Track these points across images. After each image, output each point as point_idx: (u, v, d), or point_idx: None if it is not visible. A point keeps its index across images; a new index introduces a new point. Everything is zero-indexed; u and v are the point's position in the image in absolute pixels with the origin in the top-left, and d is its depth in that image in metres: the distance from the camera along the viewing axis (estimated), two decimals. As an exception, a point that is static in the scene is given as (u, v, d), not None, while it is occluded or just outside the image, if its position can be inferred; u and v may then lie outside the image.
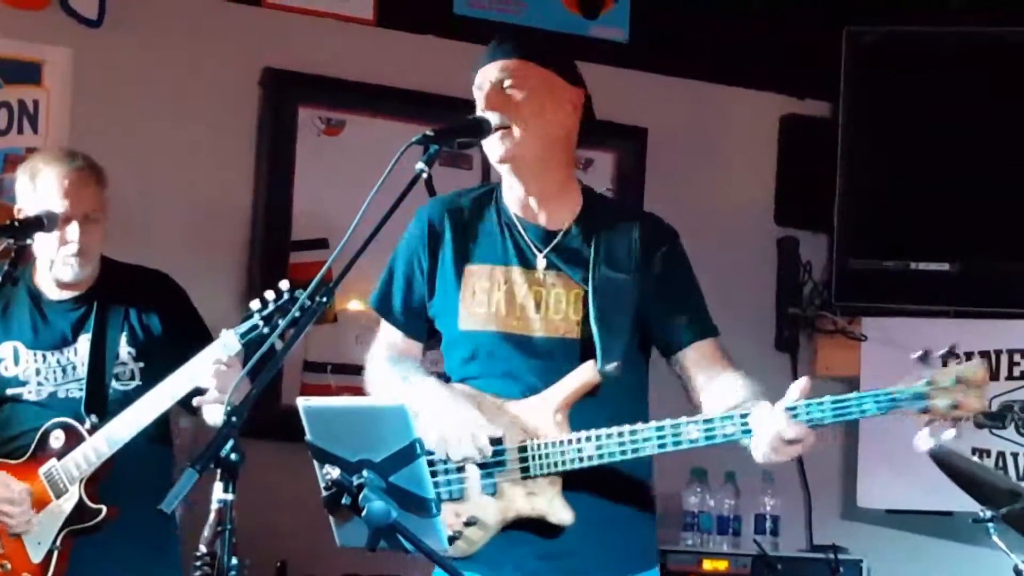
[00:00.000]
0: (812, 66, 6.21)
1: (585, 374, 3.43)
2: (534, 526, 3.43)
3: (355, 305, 5.54)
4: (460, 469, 3.45)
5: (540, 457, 3.41)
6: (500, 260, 3.55)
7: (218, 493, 2.84)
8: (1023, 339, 5.89)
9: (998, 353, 5.90)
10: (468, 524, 3.44)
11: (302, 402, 3.11)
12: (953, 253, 5.91)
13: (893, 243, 5.98)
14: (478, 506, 3.46)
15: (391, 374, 3.63)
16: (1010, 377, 5.88)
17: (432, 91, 5.61)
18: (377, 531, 2.96)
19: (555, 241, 3.54)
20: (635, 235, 3.55)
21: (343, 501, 2.96)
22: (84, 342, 4.27)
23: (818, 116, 6.34)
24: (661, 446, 3.31)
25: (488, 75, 3.50)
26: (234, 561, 2.84)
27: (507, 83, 3.48)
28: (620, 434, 3.34)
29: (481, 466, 3.44)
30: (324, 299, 3.13)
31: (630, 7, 6.10)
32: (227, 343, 4.04)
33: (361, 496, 2.94)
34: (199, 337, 4.22)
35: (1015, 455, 5.84)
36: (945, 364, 3.10)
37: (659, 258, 3.55)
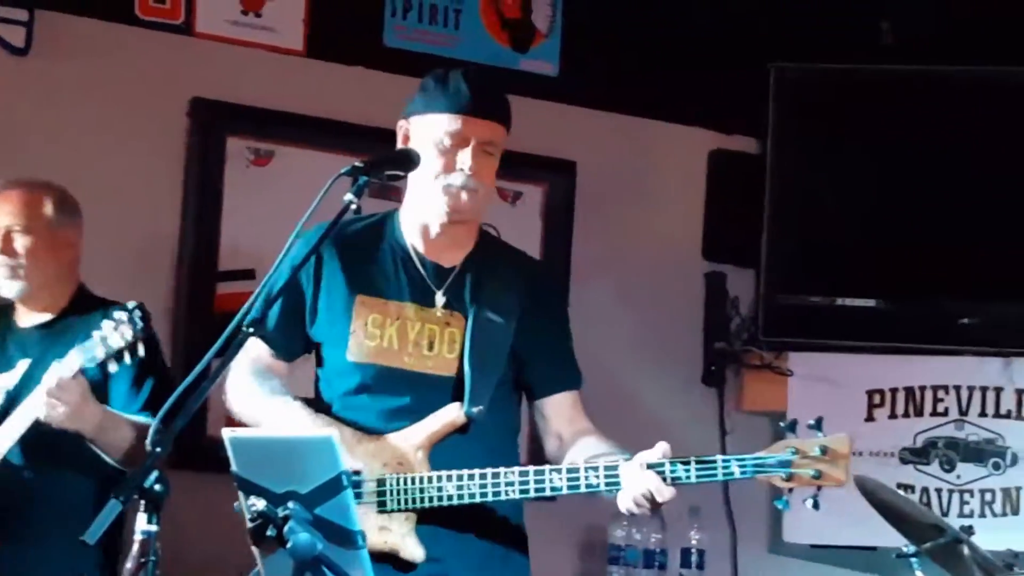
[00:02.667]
0: (741, 102, 6.26)
1: (449, 415, 3.48)
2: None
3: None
4: None
5: (397, 492, 3.44)
6: (394, 294, 3.58)
7: (142, 524, 2.84)
8: (947, 376, 5.93)
9: (922, 389, 5.95)
10: None
11: (228, 433, 3.10)
12: (879, 289, 5.96)
13: (820, 279, 6.03)
14: None
15: (255, 387, 3.65)
16: (934, 413, 5.93)
17: (361, 123, 5.61)
18: (302, 564, 2.95)
19: (449, 279, 3.57)
20: (519, 280, 3.59)
21: (268, 533, 2.95)
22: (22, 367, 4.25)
23: (746, 152, 6.39)
24: (524, 491, 3.35)
25: (477, 132, 3.51)
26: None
27: (488, 145, 3.50)
28: (483, 476, 3.37)
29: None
30: (251, 330, 3.12)
31: (560, 41, 6.13)
32: (59, 371, 4.00)
33: (287, 528, 2.93)
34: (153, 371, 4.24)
35: (939, 491, 5.88)
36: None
37: (537, 306, 3.59)
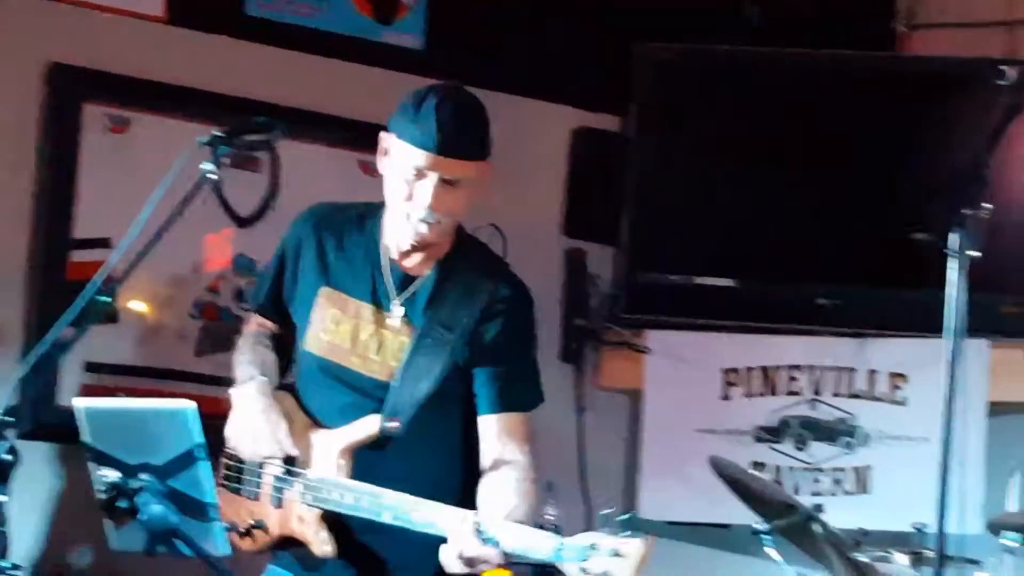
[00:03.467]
0: (605, 80, 6.29)
1: (368, 425, 3.48)
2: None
3: (137, 305, 5.48)
4: (262, 473, 3.54)
5: (310, 489, 3.46)
6: (357, 293, 3.58)
7: (-9, 494, 2.80)
8: (801, 355, 6.01)
9: (777, 368, 6.02)
10: (255, 526, 3.53)
11: (80, 403, 3.07)
12: (737, 269, 6.03)
13: (679, 258, 6.07)
14: (265, 512, 3.52)
15: (246, 350, 3.72)
16: (788, 392, 6.00)
17: (222, 92, 5.56)
18: (155, 535, 2.93)
19: (411, 287, 3.55)
20: (482, 298, 3.56)
21: (120, 504, 2.93)
22: None
23: (609, 130, 6.42)
24: (395, 518, 3.34)
25: (435, 167, 3.45)
26: (7, 563, 2.80)
27: (450, 181, 3.46)
28: (374, 495, 3.38)
29: (277, 477, 3.48)
30: (106, 298, 3.10)
31: (425, 14, 6.11)
32: None
33: (139, 500, 2.91)
34: None
35: (791, 469, 5.96)
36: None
37: (493, 327, 3.56)
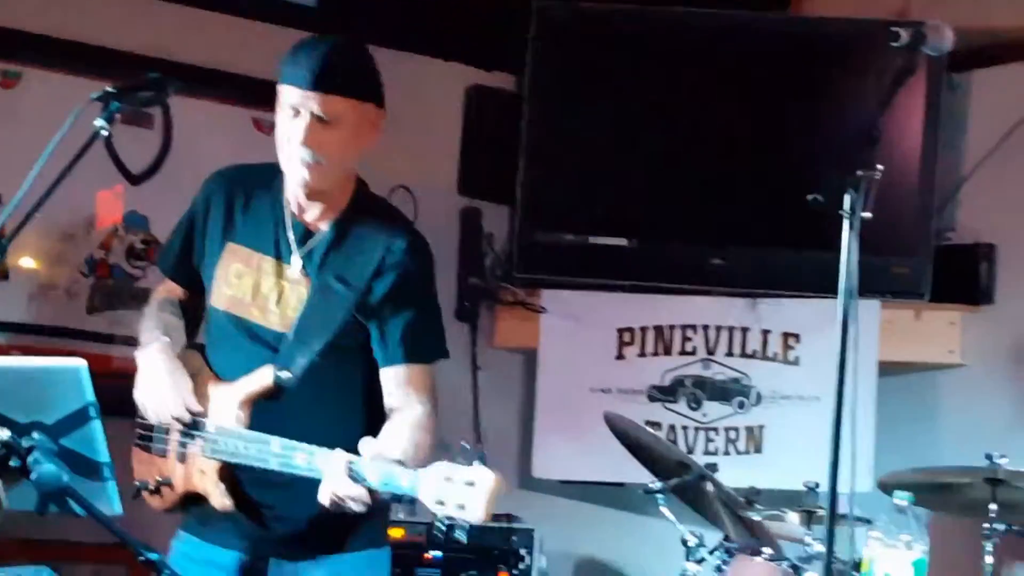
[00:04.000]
0: (500, 38, 6.28)
1: (262, 376, 3.48)
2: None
3: (28, 263, 5.42)
4: (168, 431, 3.55)
5: (209, 441, 3.47)
6: (260, 247, 3.58)
7: None
8: (695, 315, 6.05)
9: (671, 328, 6.06)
10: (163, 483, 3.56)
11: (-32, 362, 3.04)
12: (632, 229, 6.05)
13: (574, 218, 6.09)
14: (172, 468, 3.56)
15: (151, 315, 3.70)
16: (682, 352, 6.04)
17: (114, 47, 5.50)
18: (47, 495, 2.91)
19: (311, 241, 3.55)
20: (378, 251, 3.55)
21: (12, 464, 2.90)
22: None
23: (504, 89, 6.42)
24: (281, 464, 3.35)
25: (307, 104, 3.43)
26: None
27: (325, 119, 3.44)
28: (262, 442, 3.38)
29: (182, 432, 3.48)
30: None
31: (319, -29, 6.08)
32: None
33: (30, 459, 2.89)
34: None
35: (685, 428, 6.01)
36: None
37: (388, 278, 3.55)
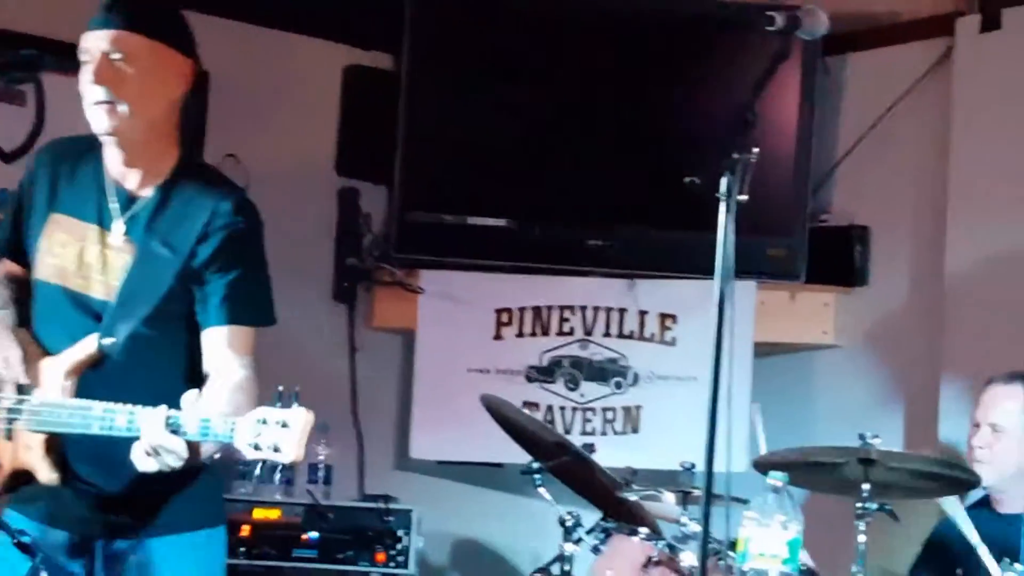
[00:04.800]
0: (378, 17, 6.25)
1: (87, 345, 3.44)
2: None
3: None
4: None
5: (34, 414, 3.43)
6: (84, 215, 3.53)
7: None
8: (573, 296, 6.07)
9: (549, 309, 6.08)
10: None
11: None
12: (510, 210, 6.05)
13: (452, 198, 6.08)
14: (0, 447, 3.50)
15: None
16: (560, 333, 6.06)
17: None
18: None
19: (134, 207, 3.50)
20: (204, 215, 3.51)
21: None
22: None
23: (382, 68, 6.39)
24: (102, 428, 3.31)
25: (97, 44, 3.40)
26: None
27: (116, 56, 3.39)
28: (84, 408, 3.34)
29: (9, 409, 3.46)
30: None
31: (194, -53, 6.01)
32: None
33: None
34: None
35: (563, 409, 6.03)
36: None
37: (213, 241, 3.52)
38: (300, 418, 3.13)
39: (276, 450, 3.11)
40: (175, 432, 3.18)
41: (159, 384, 3.44)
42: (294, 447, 3.11)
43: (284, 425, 3.11)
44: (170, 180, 3.54)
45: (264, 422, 3.11)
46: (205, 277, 3.50)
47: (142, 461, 3.23)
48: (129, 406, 3.28)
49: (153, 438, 3.19)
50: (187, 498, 3.49)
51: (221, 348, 3.50)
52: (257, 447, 3.12)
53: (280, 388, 3.16)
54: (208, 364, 3.50)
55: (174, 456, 3.20)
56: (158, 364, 3.51)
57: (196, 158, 3.65)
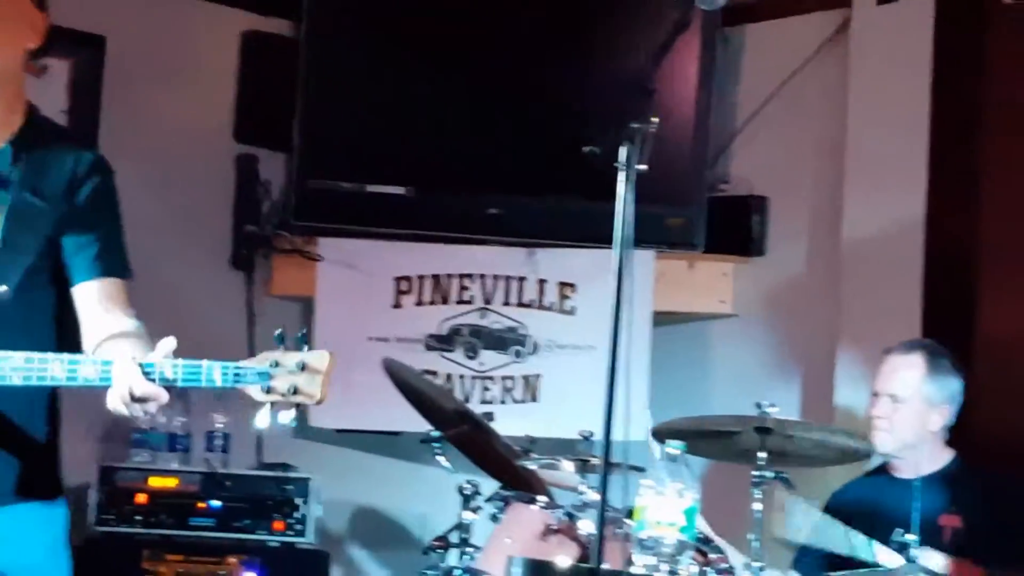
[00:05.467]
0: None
1: None
2: None
3: None
4: None
5: None
6: None
7: None
8: (472, 264, 6.07)
9: (449, 277, 6.07)
10: None
11: None
12: (409, 178, 6.04)
13: (352, 165, 6.05)
14: None
15: None
16: (460, 301, 6.06)
17: None
18: None
19: None
20: (68, 165, 3.48)
21: None
22: None
23: (281, 34, 6.35)
24: (26, 379, 3.26)
25: None
26: None
27: None
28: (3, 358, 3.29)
29: None
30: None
31: (91, -91, 5.94)
32: None
33: None
34: None
35: (462, 377, 6.03)
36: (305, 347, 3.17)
37: (84, 191, 3.49)
38: (324, 359, 3.12)
39: (295, 392, 3.08)
40: (167, 381, 3.14)
41: (23, 341, 3.40)
42: (318, 387, 3.10)
43: (303, 367, 3.08)
44: (23, 133, 3.50)
45: (277, 365, 3.09)
46: (77, 227, 3.47)
47: (122, 410, 3.19)
48: (67, 355, 3.22)
49: (137, 387, 3.14)
50: (15, 468, 3.44)
51: (105, 302, 3.47)
52: (272, 391, 3.08)
53: (280, 330, 3.14)
54: (94, 318, 3.46)
55: (156, 403, 3.17)
56: (26, 320, 3.46)
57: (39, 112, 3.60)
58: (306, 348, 3.14)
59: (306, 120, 6.05)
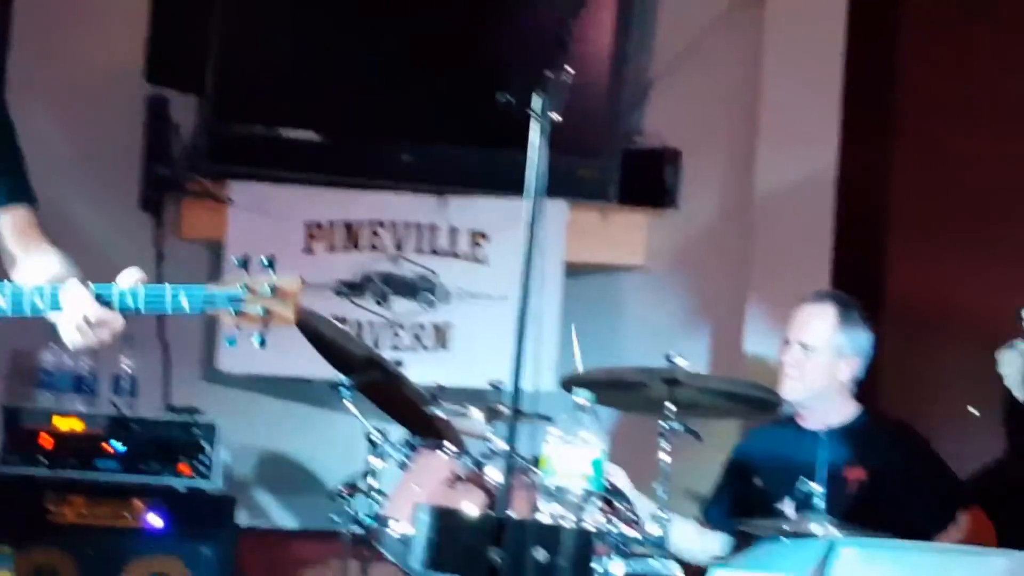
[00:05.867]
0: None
1: None
2: None
3: None
4: None
5: None
6: None
7: None
8: (384, 211, 6.05)
9: (360, 224, 6.05)
10: None
11: None
12: (322, 123, 6.00)
13: (265, 109, 6.01)
14: None
15: None
16: (371, 248, 6.04)
17: None
18: None
19: None
20: None
21: None
22: None
23: (195, -26, 6.28)
24: (34, 309, 3.25)
25: None
26: None
27: None
28: None
29: None
30: None
31: None
32: None
33: None
34: None
35: (372, 324, 6.02)
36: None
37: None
38: (296, 282, 3.17)
39: (267, 314, 3.08)
40: (127, 308, 3.14)
41: None
42: (291, 311, 3.15)
43: (275, 290, 3.08)
44: None
45: (247, 288, 3.08)
46: None
47: (74, 336, 3.17)
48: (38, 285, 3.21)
49: (91, 313, 3.13)
50: None
51: (32, 226, 3.46)
52: (240, 313, 3.06)
53: (238, 257, 3.13)
54: (20, 242, 3.44)
55: (109, 327, 3.14)
56: None
57: None
58: (272, 272, 3.14)
59: (219, 62, 5.99)
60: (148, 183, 6.13)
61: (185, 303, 3.15)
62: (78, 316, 3.15)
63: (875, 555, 3.43)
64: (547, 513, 3.93)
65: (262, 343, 3.19)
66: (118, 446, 5.56)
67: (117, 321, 3.17)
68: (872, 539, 3.94)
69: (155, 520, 5.44)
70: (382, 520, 4.40)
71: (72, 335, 3.19)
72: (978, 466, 5.57)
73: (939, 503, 4.88)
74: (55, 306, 3.20)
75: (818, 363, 5.01)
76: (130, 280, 3.20)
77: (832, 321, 5.02)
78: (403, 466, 4.59)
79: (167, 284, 3.18)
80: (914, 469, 4.95)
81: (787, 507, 4.75)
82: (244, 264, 3.16)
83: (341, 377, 4.77)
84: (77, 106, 5.96)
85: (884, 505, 4.77)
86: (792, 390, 5.00)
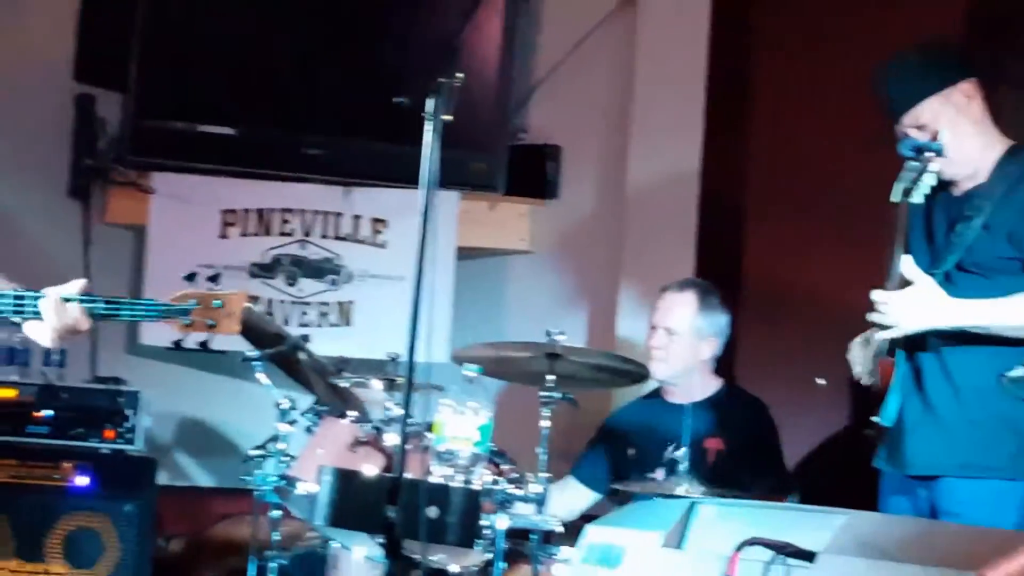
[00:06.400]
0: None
1: None
2: None
3: None
4: None
5: None
6: None
7: None
8: (294, 200, 6.03)
9: (272, 211, 6.03)
10: None
11: None
12: (238, 118, 5.97)
13: (184, 106, 5.96)
14: None
15: None
16: (281, 233, 6.02)
17: None
18: None
19: None
20: None
21: None
22: None
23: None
24: (25, 316, 3.23)
25: None
26: None
27: None
28: None
29: None
30: None
31: None
32: None
33: None
34: None
35: (282, 302, 6.00)
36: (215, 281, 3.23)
37: None
38: (242, 301, 3.28)
39: (213, 326, 3.11)
40: (100, 316, 3.21)
41: None
42: (236, 324, 3.27)
43: (219, 304, 3.10)
44: None
45: (196, 303, 3.12)
46: None
47: (51, 339, 3.19)
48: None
49: (65, 317, 3.15)
50: None
51: None
52: (190, 324, 3.16)
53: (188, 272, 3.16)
54: None
55: (77, 329, 3.20)
56: None
57: None
58: (218, 288, 3.27)
59: (142, 63, 5.93)
60: (76, 173, 6.08)
61: (140, 313, 3.18)
62: (60, 326, 3.16)
63: (729, 512, 3.48)
64: (439, 474, 3.95)
65: (203, 346, 3.26)
66: (48, 413, 5.50)
67: (85, 321, 3.17)
68: (727, 499, 3.98)
69: (82, 480, 5.39)
70: (290, 480, 4.39)
71: (44, 340, 3.19)
72: (823, 433, 5.65)
73: (768, 487, 4.92)
74: (35, 315, 3.19)
75: (681, 345, 5.06)
76: (75, 288, 3.19)
77: (693, 307, 5.07)
78: (309, 431, 4.59)
79: (129, 297, 3.23)
80: (760, 448, 5.02)
81: (659, 475, 4.80)
82: (191, 277, 3.21)
83: (254, 350, 4.76)
84: (9, 102, 5.88)
85: (737, 472, 4.83)
86: (659, 370, 5.05)
